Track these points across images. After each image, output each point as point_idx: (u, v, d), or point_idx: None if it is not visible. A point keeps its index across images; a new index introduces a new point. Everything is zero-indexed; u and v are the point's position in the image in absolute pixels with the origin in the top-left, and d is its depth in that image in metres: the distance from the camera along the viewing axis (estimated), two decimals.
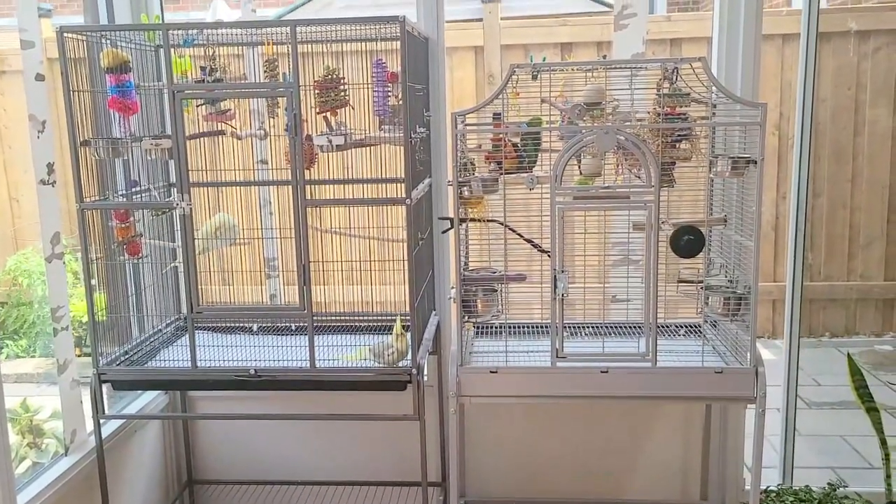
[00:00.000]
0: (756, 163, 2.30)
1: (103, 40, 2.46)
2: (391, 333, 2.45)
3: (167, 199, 2.73)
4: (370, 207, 2.72)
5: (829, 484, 2.96)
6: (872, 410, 2.73)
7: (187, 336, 2.48)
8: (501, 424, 3.06)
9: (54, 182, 2.51)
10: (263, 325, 2.92)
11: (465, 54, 4.91)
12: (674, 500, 3.06)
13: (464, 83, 4.92)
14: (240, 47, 2.68)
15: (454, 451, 2.60)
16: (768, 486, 2.99)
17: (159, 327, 2.84)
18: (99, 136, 2.46)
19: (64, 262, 2.55)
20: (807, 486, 2.98)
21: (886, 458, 2.69)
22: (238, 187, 2.80)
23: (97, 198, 2.48)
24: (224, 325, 2.92)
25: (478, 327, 2.76)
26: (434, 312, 2.94)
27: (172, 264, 2.83)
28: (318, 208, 2.56)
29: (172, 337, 2.85)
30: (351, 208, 2.76)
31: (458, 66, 4.90)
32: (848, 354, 2.81)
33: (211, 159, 2.72)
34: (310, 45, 2.52)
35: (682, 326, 2.78)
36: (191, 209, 2.38)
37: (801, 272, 3.05)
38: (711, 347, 2.60)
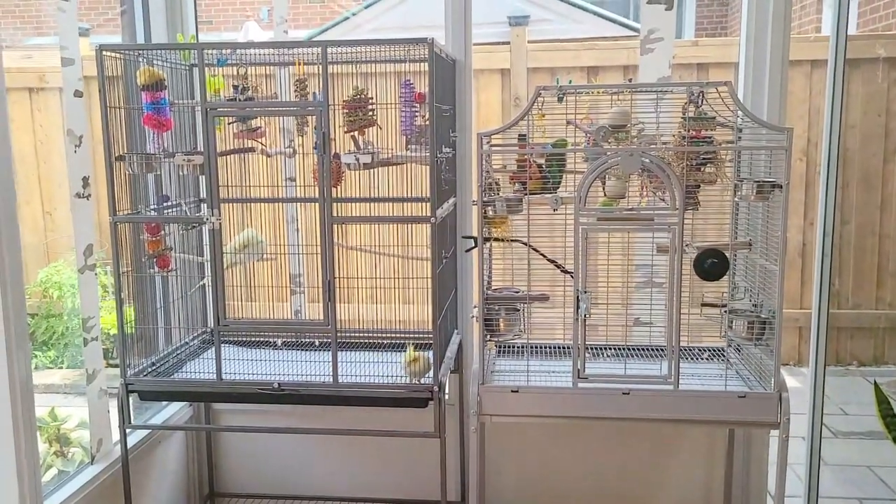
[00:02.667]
0: (781, 187, 2.30)
1: (140, 59, 2.53)
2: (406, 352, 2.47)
3: (197, 214, 2.78)
4: (395, 225, 2.75)
5: None
6: None
7: (213, 349, 2.52)
8: (521, 444, 3.06)
9: (89, 195, 2.58)
10: (287, 339, 2.96)
11: (491, 76, 4.95)
12: None
13: (490, 105, 4.96)
14: (271, 67, 2.73)
15: (474, 470, 2.59)
16: None
17: (186, 340, 2.89)
18: (133, 152, 2.52)
19: (96, 274, 2.61)
20: None
21: None
22: (266, 204, 2.86)
23: (129, 211, 2.54)
24: (249, 339, 2.96)
25: (500, 346, 2.76)
26: (456, 331, 2.95)
27: (200, 283, 2.88)
28: (343, 225, 2.59)
29: (198, 350, 2.89)
30: (376, 226, 2.79)
31: (485, 88, 4.94)
32: (874, 382, 2.77)
33: (240, 176, 2.77)
34: (339, 66, 2.56)
35: (705, 350, 2.76)
36: (220, 224, 2.42)
37: (827, 299, 3.02)
38: (735, 372, 2.58)
